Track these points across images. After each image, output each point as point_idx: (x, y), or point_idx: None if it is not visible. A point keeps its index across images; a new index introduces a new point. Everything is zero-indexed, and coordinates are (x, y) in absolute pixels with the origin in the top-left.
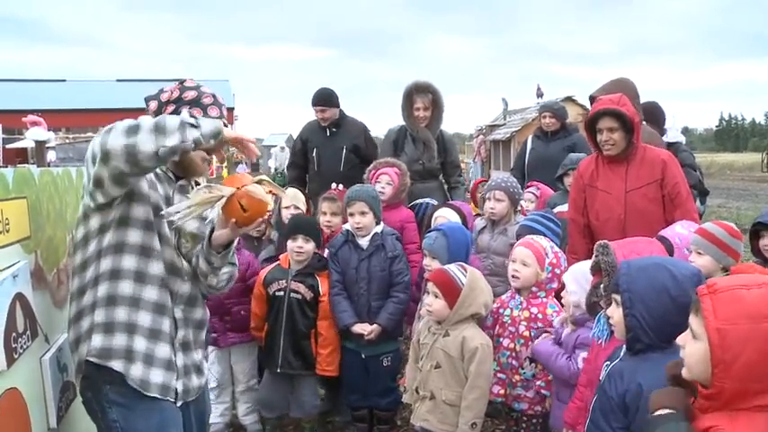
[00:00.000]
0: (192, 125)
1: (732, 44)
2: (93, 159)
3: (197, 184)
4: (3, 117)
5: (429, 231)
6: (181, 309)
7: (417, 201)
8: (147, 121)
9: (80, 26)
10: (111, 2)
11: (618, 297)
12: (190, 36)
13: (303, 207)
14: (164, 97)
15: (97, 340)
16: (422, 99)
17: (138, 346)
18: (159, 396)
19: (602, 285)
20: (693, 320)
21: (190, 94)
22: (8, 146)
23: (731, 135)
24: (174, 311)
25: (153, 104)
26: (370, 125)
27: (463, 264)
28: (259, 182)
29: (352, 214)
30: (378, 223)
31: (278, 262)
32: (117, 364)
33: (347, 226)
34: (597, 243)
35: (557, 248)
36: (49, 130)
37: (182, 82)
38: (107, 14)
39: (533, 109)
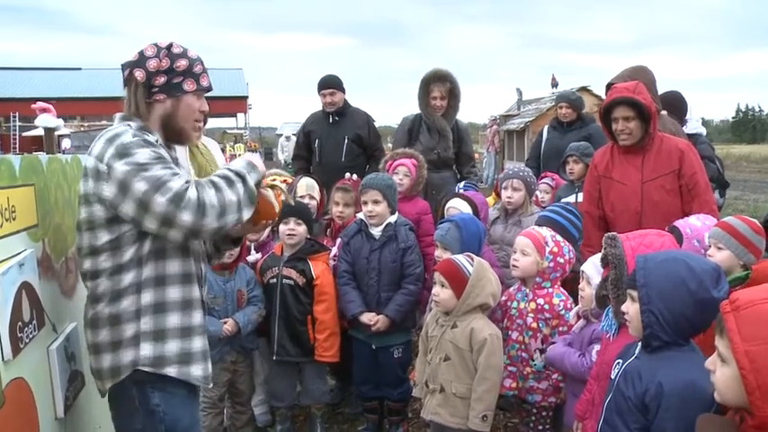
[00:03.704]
0: (246, 176)
1: (750, 34)
2: (165, 222)
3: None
4: (19, 105)
5: (441, 222)
6: (202, 290)
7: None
8: (231, 196)
9: (98, 15)
10: None
11: (634, 292)
12: (204, 23)
13: (318, 196)
14: (151, 65)
15: (148, 349)
16: (439, 88)
17: (195, 345)
18: (212, 383)
19: (609, 278)
20: (719, 342)
21: (182, 64)
22: (24, 134)
23: (748, 126)
24: (202, 295)
25: (140, 74)
26: (385, 115)
27: (470, 254)
28: (272, 187)
29: (365, 202)
30: (393, 213)
31: (272, 250)
32: (172, 370)
33: (361, 215)
34: (606, 235)
35: (558, 237)
36: (64, 118)
37: (168, 47)
38: (122, 3)
39: (548, 99)
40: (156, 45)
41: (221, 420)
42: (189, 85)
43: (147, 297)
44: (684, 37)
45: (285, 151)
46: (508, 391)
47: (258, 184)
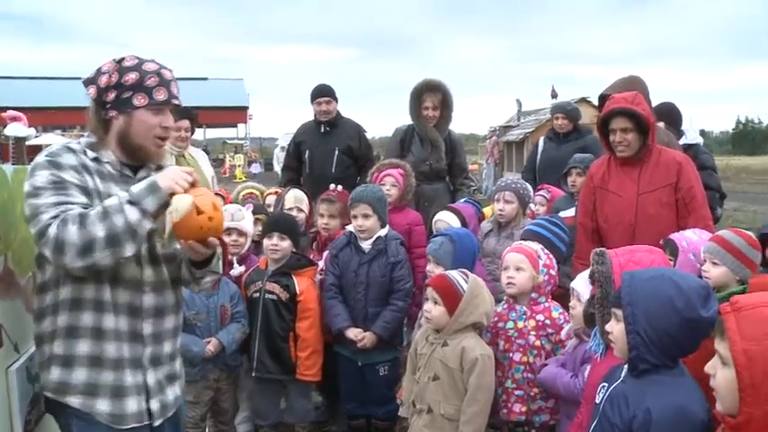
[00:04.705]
0: (134, 204)
1: (750, 46)
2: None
3: (159, 168)
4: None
5: (435, 236)
6: (150, 323)
7: None
8: (98, 232)
9: (99, 25)
10: (137, 1)
11: (619, 311)
12: (207, 34)
13: (306, 209)
14: (102, 81)
15: (55, 374)
16: (431, 98)
17: (104, 379)
18: (136, 425)
19: (595, 296)
20: (719, 345)
21: (131, 78)
22: (27, 143)
23: (748, 138)
24: (142, 329)
25: (92, 90)
26: (385, 127)
27: (465, 270)
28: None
29: (355, 216)
30: (383, 226)
31: (257, 264)
32: (75, 400)
33: (351, 227)
34: (593, 251)
35: (546, 249)
36: (63, 128)
37: (119, 61)
38: (126, 13)
39: (547, 110)
40: (113, 60)
41: None
42: (139, 100)
43: (63, 319)
44: (685, 49)
45: (281, 162)
46: (519, 417)
47: (165, 205)
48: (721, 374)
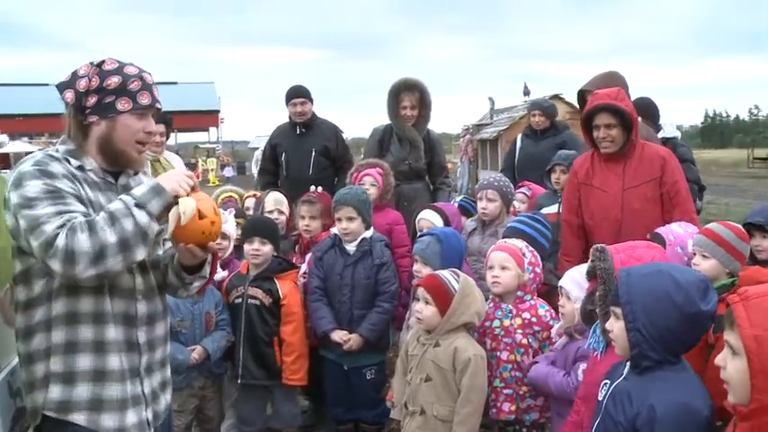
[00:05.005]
0: (141, 207)
1: (717, 41)
2: (45, 265)
3: (136, 174)
4: None
5: (421, 236)
6: (144, 331)
7: None
8: (110, 237)
9: (67, 30)
10: (99, 5)
11: (618, 309)
12: (175, 38)
13: (287, 211)
14: (81, 85)
15: (56, 392)
16: (409, 97)
17: (107, 392)
18: None
19: (597, 293)
20: (730, 335)
21: (113, 81)
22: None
23: (716, 132)
24: (137, 337)
25: (69, 94)
26: (359, 127)
27: (456, 269)
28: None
29: (339, 219)
30: (368, 228)
31: (238, 269)
32: (80, 417)
33: (335, 230)
34: (594, 247)
35: (530, 247)
36: (30, 135)
37: (99, 65)
38: (92, 18)
39: (520, 107)
40: (90, 63)
41: None
42: (123, 105)
43: (58, 335)
44: (654, 45)
45: (258, 164)
46: (509, 416)
47: (170, 206)
48: (732, 365)
